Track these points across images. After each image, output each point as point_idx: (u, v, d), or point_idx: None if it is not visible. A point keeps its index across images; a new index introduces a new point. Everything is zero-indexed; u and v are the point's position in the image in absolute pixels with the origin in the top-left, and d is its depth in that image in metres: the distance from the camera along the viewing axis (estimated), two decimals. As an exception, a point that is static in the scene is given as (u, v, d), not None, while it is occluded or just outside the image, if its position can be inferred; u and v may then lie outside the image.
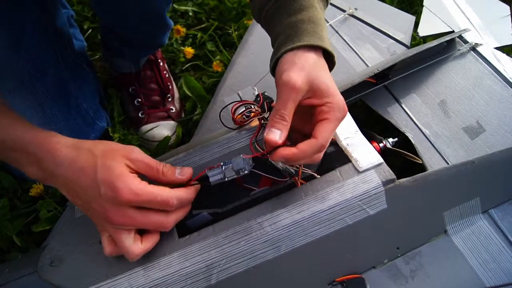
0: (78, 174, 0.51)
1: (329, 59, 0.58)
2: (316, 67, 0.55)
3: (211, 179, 0.55)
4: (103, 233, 0.55)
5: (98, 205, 0.51)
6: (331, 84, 0.54)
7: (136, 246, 0.53)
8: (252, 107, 0.65)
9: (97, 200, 0.51)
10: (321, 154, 0.55)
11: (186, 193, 0.54)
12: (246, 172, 0.55)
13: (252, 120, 0.66)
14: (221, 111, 0.65)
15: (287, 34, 0.57)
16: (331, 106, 0.53)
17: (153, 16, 0.93)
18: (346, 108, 0.55)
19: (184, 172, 0.55)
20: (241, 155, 0.55)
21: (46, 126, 0.72)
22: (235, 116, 0.65)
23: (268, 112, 0.63)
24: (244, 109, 0.65)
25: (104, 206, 0.50)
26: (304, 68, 0.54)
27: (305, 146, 0.52)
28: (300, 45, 0.55)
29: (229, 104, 0.65)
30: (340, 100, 0.54)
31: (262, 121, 0.64)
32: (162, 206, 0.52)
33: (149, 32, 1.00)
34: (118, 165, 0.51)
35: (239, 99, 0.66)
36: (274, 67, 0.59)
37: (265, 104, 0.64)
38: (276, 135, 0.53)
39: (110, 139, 0.96)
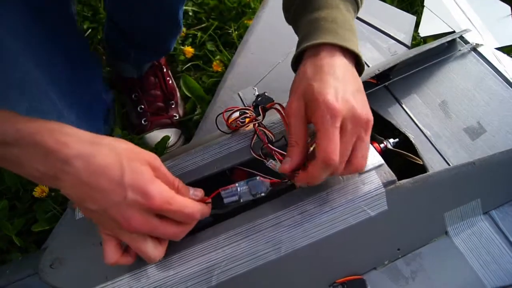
0: (97, 173, 0.45)
1: (357, 61, 0.56)
2: (316, 74, 0.52)
3: (225, 201, 0.53)
4: (109, 239, 0.51)
5: (118, 211, 0.46)
6: (325, 89, 0.50)
7: (158, 250, 0.52)
8: (247, 112, 0.64)
9: (118, 206, 0.46)
10: (337, 168, 0.50)
11: (206, 210, 0.54)
12: (263, 195, 0.54)
13: (247, 125, 0.65)
14: (217, 117, 0.64)
15: (306, 31, 0.56)
16: (317, 113, 0.49)
17: (167, 15, 0.92)
18: (337, 105, 0.48)
19: (197, 194, 0.54)
20: (258, 178, 0.53)
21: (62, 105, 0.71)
22: (228, 122, 0.64)
23: (262, 117, 0.62)
24: (238, 114, 0.64)
25: (126, 212, 0.46)
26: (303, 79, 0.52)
27: (311, 167, 0.50)
28: (320, 43, 0.53)
29: (223, 112, 0.64)
30: (324, 99, 0.49)
31: (257, 126, 0.62)
32: (187, 218, 0.50)
33: (160, 33, 0.99)
34: (147, 170, 0.47)
35: (240, 100, 0.66)
36: (295, 62, 0.58)
37: (259, 109, 0.62)
38: (285, 164, 0.53)
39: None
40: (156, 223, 0.48)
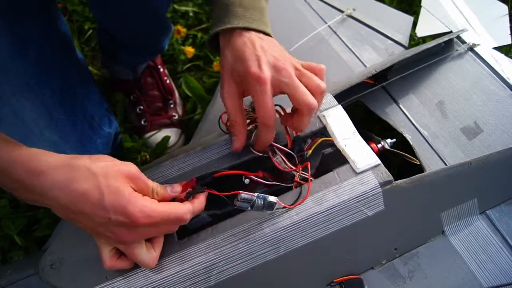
0: (78, 199, 0.46)
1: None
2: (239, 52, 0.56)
3: (237, 204, 0.53)
4: (104, 246, 0.53)
5: (106, 229, 0.48)
6: (247, 64, 0.55)
7: (151, 255, 0.53)
8: (250, 113, 0.64)
9: (105, 225, 0.48)
10: (304, 116, 0.56)
11: (197, 204, 0.54)
12: (271, 211, 0.56)
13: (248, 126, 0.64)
14: (220, 117, 0.65)
15: (218, 15, 0.60)
16: (249, 88, 0.55)
17: (153, 17, 0.93)
18: (262, 74, 0.54)
19: (175, 190, 0.55)
20: (276, 199, 0.55)
21: (53, 130, 0.72)
22: (227, 124, 0.64)
23: None
24: None
25: (114, 231, 0.48)
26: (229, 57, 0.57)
27: (258, 134, 0.58)
28: (230, 27, 0.58)
29: (221, 115, 0.64)
30: (250, 74, 0.54)
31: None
32: (177, 222, 0.51)
33: (149, 35, 0.99)
34: (125, 187, 0.48)
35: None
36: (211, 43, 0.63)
37: None
38: (235, 144, 0.60)
39: (116, 144, 0.96)
40: (146, 230, 0.50)
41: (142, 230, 0.49)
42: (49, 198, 0.46)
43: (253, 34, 0.58)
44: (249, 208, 0.53)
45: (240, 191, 0.53)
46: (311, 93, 0.56)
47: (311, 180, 0.60)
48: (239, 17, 0.58)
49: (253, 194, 0.53)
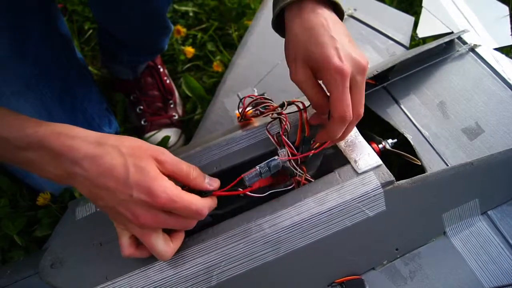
0: (104, 174, 0.47)
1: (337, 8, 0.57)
2: (314, 32, 0.52)
3: (247, 182, 0.53)
4: (124, 233, 0.52)
5: (126, 208, 0.48)
6: (326, 52, 0.51)
7: (168, 247, 0.52)
8: (269, 101, 0.63)
9: (125, 204, 0.47)
10: (351, 124, 0.54)
11: (213, 203, 0.54)
12: (279, 169, 0.55)
13: (266, 115, 0.63)
14: (238, 104, 0.64)
15: None
16: (326, 77, 0.51)
17: (153, 17, 0.93)
18: (344, 66, 0.50)
19: (212, 183, 0.54)
20: (277, 158, 0.55)
21: None
22: (246, 111, 0.63)
23: (286, 108, 0.62)
24: (255, 105, 0.63)
25: (134, 210, 0.47)
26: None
27: (329, 126, 0.53)
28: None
29: (244, 97, 0.63)
30: (331, 63, 0.50)
31: (277, 116, 0.62)
32: (194, 215, 0.50)
33: (149, 35, 0.99)
34: (151, 167, 0.48)
35: (239, 100, 0.66)
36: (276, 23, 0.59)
37: (284, 101, 0.62)
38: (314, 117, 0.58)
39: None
40: (164, 217, 0.49)
41: (160, 215, 0.48)
42: (78, 170, 0.47)
43: (326, 13, 0.54)
44: (261, 175, 0.54)
45: (242, 175, 0.53)
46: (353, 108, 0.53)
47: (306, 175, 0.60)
48: None
49: (255, 168, 0.53)
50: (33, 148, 0.47)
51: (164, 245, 0.52)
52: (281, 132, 0.60)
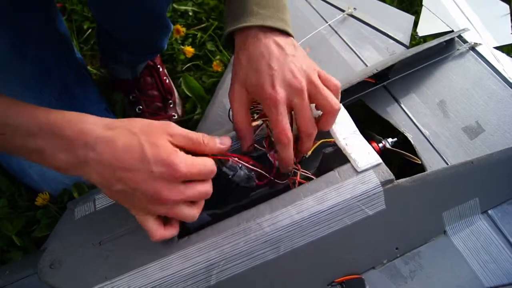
0: (120, 154, 0.47)
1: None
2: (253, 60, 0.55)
3: (224, 169, 0.56)
4: (146, 218, 0.52)
5: (148, 185, 0.48)
6: (261, 79, 0.54)
7: (193, 210, 0.53)
8: (258, 107, 0.64)
9: (147, 180, 0.47)
10: (303, 143, 0.58)
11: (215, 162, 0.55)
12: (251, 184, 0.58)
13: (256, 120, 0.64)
14: (229, 110, 0.64)
15: (232, 11, 0.59)
16: (262, 104, 0.55)
17: (153, 16, 0.92)
18: (275, 94, 0.53)
19: (225, 141, 0.55)
20: (253, 174, 0.58)
21: None
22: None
23: None
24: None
25: (155, 186, 0.48)
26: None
27: (278, 151, 0.57)
28: (244, 26, 0.56)
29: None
30: (264, 91, 0.54)
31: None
32: (208, 175, 0.51)
33: (148, 34, 0.99)
34: (165, 141, 0.49)
35: None
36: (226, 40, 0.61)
37: None
38: (243, 147, 0.60)
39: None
40: (184, 188, 0.49)
41: (181, 187, 0.49)
42: (91, 155, 0.47)
43: (271, 40, 0.56)
44: (231, 176, 0.56)
45: (231, 159, 0.56)
46: (324, 113, 0.57)
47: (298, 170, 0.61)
48: (254, 14, 0.57)
49: (237, 163, 0.56)
50: (44, 134, 0.47)
51: (190, 210, 0.52)
52: (266, 138, 0.62)
